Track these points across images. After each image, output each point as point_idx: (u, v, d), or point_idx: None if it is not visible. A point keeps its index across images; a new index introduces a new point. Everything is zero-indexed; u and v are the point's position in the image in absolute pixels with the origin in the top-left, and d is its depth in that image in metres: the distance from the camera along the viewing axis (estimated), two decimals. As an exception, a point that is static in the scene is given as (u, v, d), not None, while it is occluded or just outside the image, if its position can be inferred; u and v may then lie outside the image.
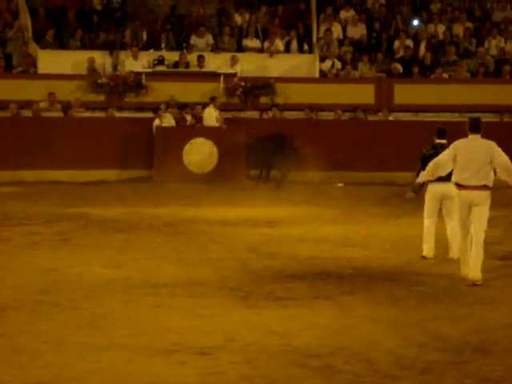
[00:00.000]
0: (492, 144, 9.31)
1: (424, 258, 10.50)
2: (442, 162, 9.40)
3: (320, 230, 12.39)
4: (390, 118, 19.25)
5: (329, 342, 6.85)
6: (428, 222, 10.62)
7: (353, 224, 12.78)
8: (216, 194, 16.20)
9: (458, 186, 9.29)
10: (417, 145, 18.11)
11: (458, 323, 7.48)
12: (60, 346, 6.70)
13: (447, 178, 10.20)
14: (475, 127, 9.42)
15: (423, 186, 10.50)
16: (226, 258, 10.28)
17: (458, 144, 9.37)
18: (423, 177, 9.87)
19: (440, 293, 8.67)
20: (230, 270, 9.59)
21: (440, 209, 10.68)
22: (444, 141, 10.65)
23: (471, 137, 9.38)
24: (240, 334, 7.05)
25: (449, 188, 10.12)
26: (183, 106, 18.87)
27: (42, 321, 7.46)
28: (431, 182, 10.36)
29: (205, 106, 18.82)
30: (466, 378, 6.09)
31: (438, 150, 10.30)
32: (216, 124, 18.57)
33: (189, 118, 18.71)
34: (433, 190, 10.53)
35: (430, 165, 9.54)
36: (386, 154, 18.37)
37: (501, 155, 9.22)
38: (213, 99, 18.82)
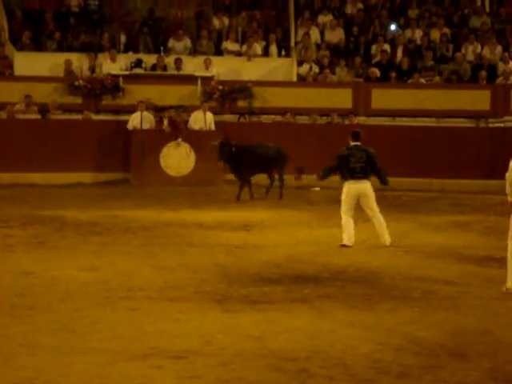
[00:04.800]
0: None
1: (344, 246, 11.27)
2: None
3: (297, 234, 12.40)
4: (355, 122, 19.31)
5: (305, 346, 6.86)
6: (345, 218, 11.38)
7: (329, 228, 12.78)
8: (193, 198, 16.19)
9: None
10: (394, 149, 18.38)
11: (433, 327, 7.51)
12: (35, 350, 6.66)
13: (363, 177, 11.20)
14: None
15: (329, 174, 11.56)
16: (202, 262, 10.26)
17: None
18: (509, 196, 8.98)
19: (416, 297, 8.70)
20: (207, 274, 9.58)
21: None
22: (358, 143, 11.50)
23: None
24: (216, 338, 7.05)
25: (364, 187, 11.25)
26: (163, 109, 18.76)
27: (17, 324, 7.41)
28: (348, 180, 11.28)
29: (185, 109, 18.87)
30: (441, 382, 6.11)
31: (352, 151, 11.35)
32: (203, 127, 18.53)
33: (166, 122, 18.64)
34: (349, 188, 11.33)
35: (508, 179, 8.92)
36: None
37: None
38: (202, 102, 18.83)
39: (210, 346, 6.85)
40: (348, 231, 11.35)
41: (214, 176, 17.84)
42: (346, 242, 11.33)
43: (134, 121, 18.50)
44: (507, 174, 8.96)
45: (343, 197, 11.44)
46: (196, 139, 18.34)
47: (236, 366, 6.36)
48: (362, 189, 11.32)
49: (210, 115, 18.69)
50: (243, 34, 20.95)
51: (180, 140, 18.34)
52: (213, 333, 7.19)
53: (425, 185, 18.29)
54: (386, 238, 11.39)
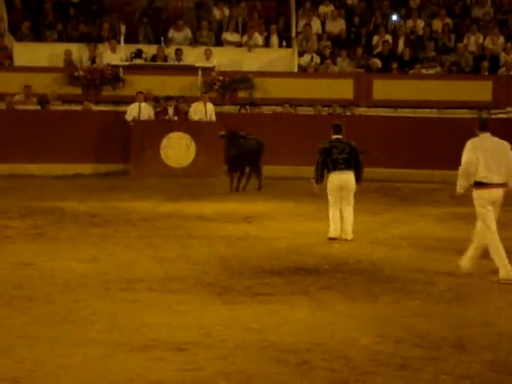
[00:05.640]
0: (507, 144, 9.29)
1: (331, 239, 11.30)
2: (471, 163, 9.05)
3: (298, 226, 12.37)
4: (357, 113, 19.26)
5: (305, 338, 6.83)
6: (333, 210, 11.48)
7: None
8: (194, 189, 16.14)
9: (482, 184, 9.06)
10: (395, 140, 18.33)
11: (434, 320, 7.48)
12: (35, 341, 6.64)
13: (346, 168, 11.34)
14: (485, 126, 9.29)
15: (323, 176, 11.52)
16: (203, 254, 10.23)
17: (476, 143, 9.16)
18: (460, 187, 9.28)
19: (417, 289, 8.67)
20: (208, 266, 9.54)
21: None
22: (340, 136, 11.61)
23: (483, 135, 9.23)
24: (216, 330, 7.02)
25: (347, 178, 11.37)
26: (167, 99, 18.73)
27: (16, 315, 7.39)
28: (331, 171, 11.37)
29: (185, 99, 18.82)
30: (442, 375, 6.08)
31: (334, 143, 11.48)
32: (203, 119, 18.47)
33: (171, 111, 18.59)
34: (332, 180, 11.44)
35: (461, 172, 9.19)
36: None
37: (510, 156, 9.19)
38: (202, 93, 18.76)
39: (210, 337, 6.82)
40: (334, 224, 11.41)
41: (214, 167, 17.78)
42: (331, 234, 11.37)
43: (132, 112, 18.43)
44: (460, 168, 9.16)
45: (328, 189, 11.52)
46: (196, 130, 18.27)
47: (237, 358, 6.33)
48: (344, 180, 11.42)
49: (210, 106, 18.63)
50: (244, 25, 20.88)
51: (176, 118, 18.33)
52: (213, 325, 7.16)
53: (427, 176, 18.23)
54: (349, 234, 11.38)
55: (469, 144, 9.17)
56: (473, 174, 9.07)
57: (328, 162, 11.44)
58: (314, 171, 11.59)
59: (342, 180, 11.43)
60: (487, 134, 9.24)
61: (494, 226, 9.15)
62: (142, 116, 18.45)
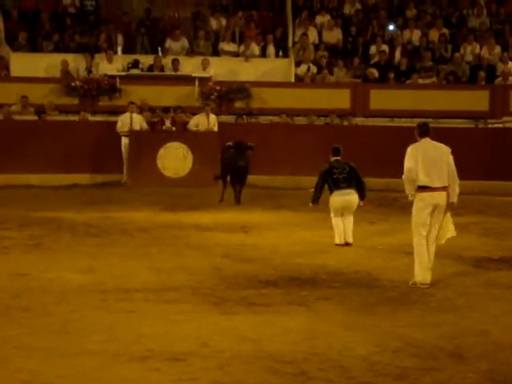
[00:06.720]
0: (447, 148, 9.45)
1: (338, 245, 11.68)
2: (411, 169, 9.27)
3: (294, 236, 12.37)
4: (354, 123, 19.27)
5: (302, 348, 6.82)
6: (335, 220, 11.90)
7: (327, 229, 12.73)
8: (190, 199, 16.13)
9: (424, 188, 9.23)
10: (392, 150, 18.32)
11: (431, 329, 7.48)
12: (31, 352, 6.62)
13: (347, 187, 11.78)
14: (426, 131, 9.48)
15: (320, 193, 11.98)
16: (199, 264, 10.22)
17: (416, 148, 9.33)
18: (410, 194, 9.47)
19: (413, 299, 8.67)
20: (204, 276, 9.54)
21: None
22: (339, 157, 12.06)
23: (423, 140, 9.41)
24: (213, 340, 7.01)
25: (350, 199, 11.80)
26: (165, 111, 18.73)
27: (12, 326, 7.37)
28: (333, 191, 11.83)
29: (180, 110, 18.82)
30: (439, 384, 6.09)
31: (333, 164, 11.97)
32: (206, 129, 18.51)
33: (168, 122, 18.59)
34: (335, 201, 11.87)
35: (405, 179, 9.39)
36: (361, 160, 18.36)
37: (452, 162, 9.37)
38: (205, 106, 18.74)
39: (207, 348, 6.82)
40: (339, 231, 11.85)
41: (211, 177, 17.76)
42: (337, 241, 11.80)
43: (125, 122, 18.41)
44: (403, 176, 9.37)
45: (331, 207, 11.93)
46: (193, 140, 18.28)
47: (233, 368, 6.32)
48: (347, 201, 11.86)
49: (213, 117, 18.58)
50: (240, 35, 20.91)
51: (174, 129, 18.36)
52: (210, 335, 7.15)
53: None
54: (350, 237, 11.81)
55: (409, 150, 9.36)
56: (416, 180, 9.23)
57: (330, 183, 11.89)
58: (313, 194, 12.00)
59: (345, 201, 11.85)
60: (427, 139, 9.40)
61: (424, 231, 9.26)
62: (134, 126, 18.44)
